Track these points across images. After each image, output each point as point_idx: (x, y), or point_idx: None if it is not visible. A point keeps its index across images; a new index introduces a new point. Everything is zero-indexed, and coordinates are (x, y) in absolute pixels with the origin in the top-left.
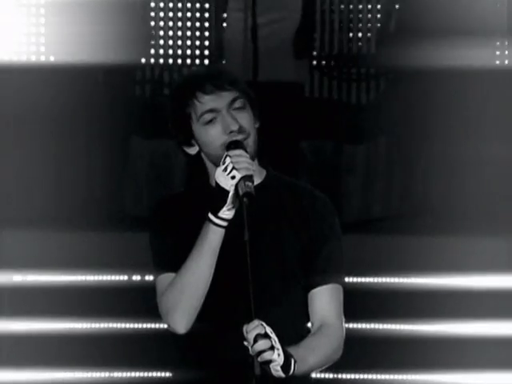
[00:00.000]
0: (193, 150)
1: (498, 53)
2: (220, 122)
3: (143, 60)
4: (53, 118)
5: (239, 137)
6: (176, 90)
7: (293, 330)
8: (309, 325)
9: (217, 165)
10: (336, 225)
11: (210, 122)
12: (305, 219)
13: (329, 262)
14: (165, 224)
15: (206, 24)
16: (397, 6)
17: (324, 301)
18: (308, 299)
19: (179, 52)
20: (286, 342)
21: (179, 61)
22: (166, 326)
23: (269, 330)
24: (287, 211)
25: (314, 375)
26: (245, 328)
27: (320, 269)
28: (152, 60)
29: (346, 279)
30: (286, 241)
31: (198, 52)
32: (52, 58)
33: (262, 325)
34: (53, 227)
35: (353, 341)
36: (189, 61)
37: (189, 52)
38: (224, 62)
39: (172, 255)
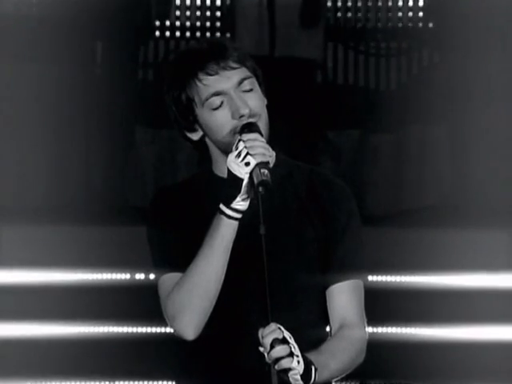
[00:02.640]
0: (195, 136)
1: None
2: (228, 106)
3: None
4: (52, 107)
5: (252, 119)
6: (172, 69)
7: (312, 334)
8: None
9: (225, 152)
10: (355, 213)
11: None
12: (321, 208)
13: (348, 255)
14: (165, 217)
15: None
16: None
17: (344, 299)
18: (326, 297)
19: (187, 24)
20: (304, 347)
21: (187, 34)
22: (171, 330)
23: (287, 334)
24: (301, 199)
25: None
26: (260, 332)
27: (338, 263)
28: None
29: (373, 278)
30: (301, 233)
31: (208, 24)
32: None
33: (279, 329)
34: (51, 221)
35: (381, 347)
36: (198, 34)
37: (198, 24)
38: (236, 34)
39: (175, 252)
